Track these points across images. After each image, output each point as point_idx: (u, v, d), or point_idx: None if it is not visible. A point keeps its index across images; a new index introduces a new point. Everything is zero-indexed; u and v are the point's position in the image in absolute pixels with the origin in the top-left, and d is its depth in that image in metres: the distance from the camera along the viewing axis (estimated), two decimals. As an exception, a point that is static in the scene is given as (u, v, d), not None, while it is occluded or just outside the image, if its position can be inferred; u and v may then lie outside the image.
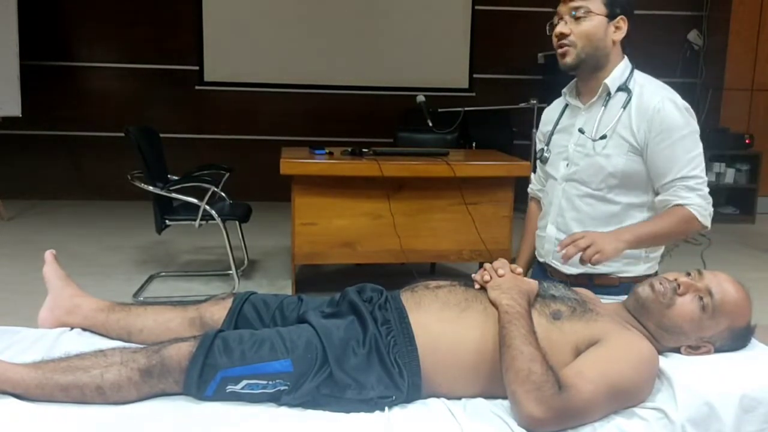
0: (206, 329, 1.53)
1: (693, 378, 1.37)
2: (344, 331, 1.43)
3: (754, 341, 1.53)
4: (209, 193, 3.88)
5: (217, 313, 1.62)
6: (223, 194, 4.19)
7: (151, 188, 3.76)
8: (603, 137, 1.85)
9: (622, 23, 1.85)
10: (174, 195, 3.83)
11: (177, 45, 6.25)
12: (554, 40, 1.88)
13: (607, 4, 1.82)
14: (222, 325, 1.58)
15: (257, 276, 4.25)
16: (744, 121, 6.13)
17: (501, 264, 1.56)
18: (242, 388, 1.35)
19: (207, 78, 6.33)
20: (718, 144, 5.85)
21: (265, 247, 4.77)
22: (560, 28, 1.84)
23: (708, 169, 6.58)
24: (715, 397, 1.33)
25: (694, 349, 1.50)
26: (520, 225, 4.20)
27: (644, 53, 1.95)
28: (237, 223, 4.18)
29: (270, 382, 1.36)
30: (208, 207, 3.79)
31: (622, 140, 1.84)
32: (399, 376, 1.38)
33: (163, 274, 4.18)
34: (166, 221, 3.85)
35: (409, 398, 1.39)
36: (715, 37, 6.42)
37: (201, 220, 3.80)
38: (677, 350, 1.51)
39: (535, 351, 1.32)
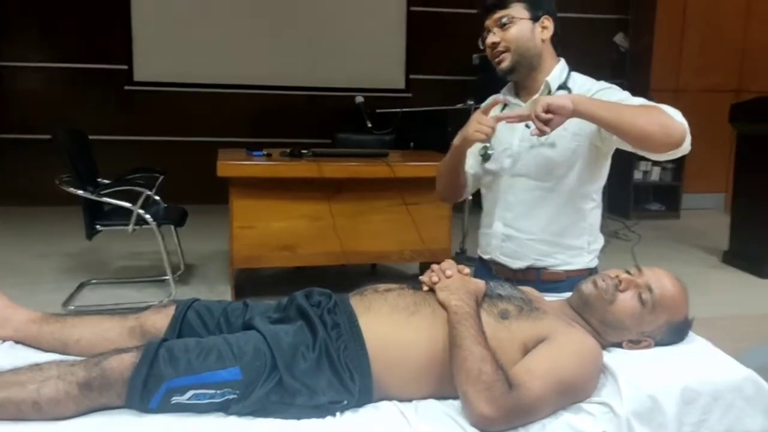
0: (147, 339, 1.47)
1: (636, 372, 1.41)
2: (293, 337, 1.41)
3: (691, 334, 1.59)
4: (143, 197, 3.75)
5: (159, 321, 1.57)
6: (157, 198, 4.07)
7: (80, 193, 3.62)
8: (544, 139, 1.87)
9: (548, 22, 1.93)
10: (105, 199, 3.69)
11: (105, 44, 6.05)
12: (488, 51, 1.95)
13: (529, 9, 1.90)
14: (165, 334, 1.52)
15: (194, 281, 4.15)
16: (669, 121, 6.38)
17: (448, 265, 1.56)
18: (188, 399, 1.31)
19: (137, 77, 6.15)
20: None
21: (201, 252, 4.66)
22: (491, 39, 1.92)
23: (635, 167, 6.82)
24: (658, 390, 1.37)
25: (635, 344, 1.54)
26: (459, 224, 4.29)
27: (574, 56, 2.01)
28: (172, 227, 4.08)
29: (218, 392, 1.32)
30: (141, 211, 3.68)
31: (565, 131, 1.87)
32: (350, 381, 1.37)
33: (94, 281, 4.03)
34: (97, 227, 3.72)
35: (360, 402, 1.38)
36: (640, 40, 6.67)
37: (134, 224, 3.68)
38: (619, 345, 1.55)
39: (485, 351, 1.33)
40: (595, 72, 2.01)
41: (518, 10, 1.89)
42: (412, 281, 1.59)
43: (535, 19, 1.91)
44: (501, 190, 2.00)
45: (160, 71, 6.16)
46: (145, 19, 6.08)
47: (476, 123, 1.80)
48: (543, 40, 1.93)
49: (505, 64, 1.92)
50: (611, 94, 1.85)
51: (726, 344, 1.61)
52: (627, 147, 1.78)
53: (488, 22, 1.93)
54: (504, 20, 1.89)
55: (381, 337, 1.43)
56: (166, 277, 3.84)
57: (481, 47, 1.98)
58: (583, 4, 6.41)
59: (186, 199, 4.71)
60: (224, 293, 3.80)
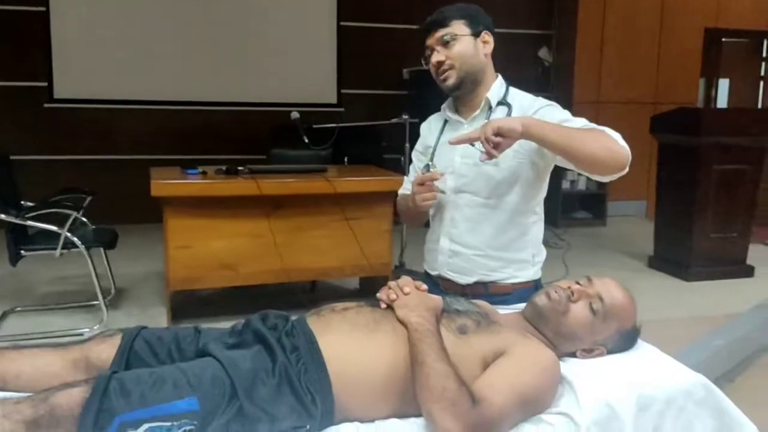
0: (93, 371, 1.40)
1: (593, 381, 1.44)
2: (252, 362, 1.37)
3: (640, 341, 1.64)
4: (70, 219, 3.61)
5: (105, 351, 1.49)
6: (85, 219, 3.93)
7: (2, 216, 3.44)
8: (492, 162, 1.89)
9: (488, 37, 1.96)
10: (30, 223, 3.53)
11: (23, 60, 5.79)
12: (432, 70, 1.97)
13: (469, 25, 1.93)
14: (112, 365, 1.45)
15: (127, 305, 4.01)
16: (592, 132, 6.61)
17: (406, 282, 1.56)
18: (143, 433, 1.25)
19: (57, 95, 5.91)
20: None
21: (133, 274, 4.50)
22: (435, 57, 1.93)
23: (562, 177, 7.04)
24: (615, 397, 1.40)
25: (588, 353, 1.57)
26: (398, 237, 4.31)
27: (500, 70, 2.05)
28: (102, 249, 3.93)
29: (175, 423, 1.26)
30: (69, 234, 3.53)
31: (507, 149, 1.90)
32: (312, 404, 1.34)
33: (20, 309, 3.84)
34: (22, 251, 3.54)
35: (322, 426, 1.35)
36: (563, 55, 6.91)
37: (62, 248, 3.53)
38: (573, 355, 1.58)
39: (448, 367, 1.33)
40: (521, 85, 2.06)
41: (459, 27, 1.92)
42: (369, 299, 1.57)
43: (476, 35, 1.94)
44: (446, 207, 2.02)
45: (82, 88, 5.94)
46: (66, 35, 5.86)
47: (419, 196, 1.90)
48: (485, 55, 1.97)
49: (451, 81, 1.93)
50: (553, 112, 1.88)
51: (657, 348, 1.66)
52: (569, 166, 1.81)
53: (430, 41, 1.94)
54: (446, 38, 1.91)
55: (342, 357, 1.40)
56: (97, 302, 3.70)
57: (425, 66, 1.99)
58: (508, 19, 6.58)
59: (115, 219, 4.56)
60: (159, 316, 3.68)
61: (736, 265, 4.81)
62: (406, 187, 2.15)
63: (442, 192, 1.95)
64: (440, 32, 1.91)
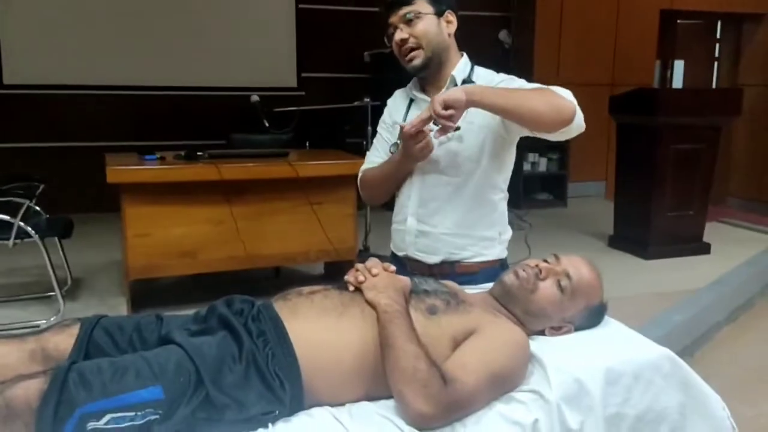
0: (51, 362, 1.35)
1: (561, 358, 1.44)
2: (217, 348, 1.33)
3: (606, 318, 1.65)
4: (23, 208, 3.49)
5: (63, 342, 1.43)
6: (38, 208, 3.80)
7: (-50, 206, 3.31)
8: (458, 128, 1.88)
9: (451, 17, 1.95)
10: (-20, 212, 3.40)
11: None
12: (396, 49, 1.94)
13: (433, 3, 1.90)
14: (70, 355, 1.39)
15: (84, 295, 3.91)
16: (552, 114, 6.67)
17: (374, 263, 1.53)
18: (106, 424, 1.20)
19: (6, 80, 5.71)
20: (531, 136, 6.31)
21: (90, 264, 4.39)
22: (399, 35, 1.90)
23: (523, 159, 7.10)
24: (583, 373, 1.40)
25: (557, 330, 1.58)
26: (363, 222, 4.28)
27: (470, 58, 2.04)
28: (57, 239, 3.81)
29: (138, 413, 1.22)
30: (22, 223, 3.41)
31: (471, 124, 1.89)
32: (280, 389, 1.31)
33: (-28, 302, 3.71)
34: (-28, 243, 3.41)
35: (292, 410, 1.33)
36: (522, 37, 6.93)
37: (15, 238, 3.41)
38: (542, 333, 1.58)
39: (418, 348, 1.31)
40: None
41: (423, 5, 1.89)
42: (336, 282, 1.55)
43: (439, 14, 1.92)
44: (413, 186, 2.00)
45: (32, 74, 5.74)
46: (14, 19, 5.64)
47: (419, 146, 1.81)
48: (449, 35, 1.95)
49: (417, 61, 1.91)
50: (510, 82, 1.90)
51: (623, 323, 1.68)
52: (526, 132, 1.83)
53: (393, 19, 1.91)
54: (409, 16, 1.88)
55: (310, 341, 1.38)
56: (53, 293, 3.59)
57: (387, 44, 1.96)
58: (468, 1, 6.55)
59: (70, 208, 4.43)
60: (118, 306, 3.60)
61: (693, 242, 4.91)
62: (372, 161, 2.11)
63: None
64: (403, 10, 1.89)
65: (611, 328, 1.62)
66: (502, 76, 1.96)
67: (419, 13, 1.88)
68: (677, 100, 4.94)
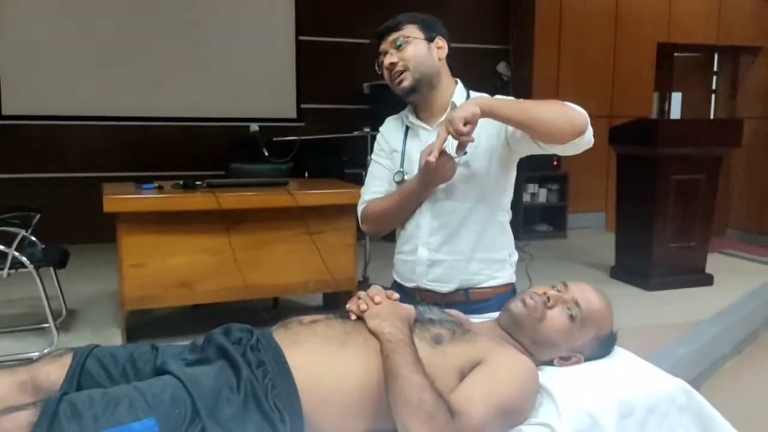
0: (41, 394, 1.30)
1: (572, 390, 1.39)
2: (214, 379, 1.28)
3: (617, 347, 1.60)
4: (18, 238, 3.44)
5: (54, 373, 1.38)
6: (33, 238, 3.75)
7: (-56, 236, 3.26)
8: (465, 153, 1.85)
9: (441, 42, 1.96)
10: (-25, 242, 3.35)
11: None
12: (386, 74, 1.95)
13: (422, 29, 1.93)
14: (62, 387, 1.34)
15: (78, 327, 3.84)
16: (550, 145, 6.68)
17: (376, 291, 1.49)
18: (98, 458, 1.15)
19: (5, 112, 5.70)
20: (530, 166, 6.31)
21: (85, 295, 4.33)
22: (388, 59, 1.92)
23: (523, 189, 7.06)
24: (596, 406, 1.35)
25: (566, 360, 1.53)
26: (363, 252, 4.23)
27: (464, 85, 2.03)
28: (52, 269, 3.76)
29: (131, 447, 1.17)
30: (17, 253, 3.36)
31: (477, 148, 1.87)
32: (280, 422, 1.26)
33: (-36, 333, 3.64)
34: (-34, 272, 3.35)
35: (292, 444, 1.27)
36: (521, 69, 6.98)
37: (9, 268, 3.36)
38: (550, 363, 1.53)
39: (424, 379, 1.26)
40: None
41: (412, 30, 1.92)
42: (338, 310, 1.50)
43: (429, 39, 1.93)
44: (423, 215, 1.96)
45: (30, 105, 5.73)
46: (11, 51, 5.65)
47: (441, 168, 1.78)
48: (440, 59, 1.95)
49: (406, 83, 1.91)
50: (510, 99, 1.89)
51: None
52: (533, 148, 1.81)
53: (383, 46, 1.94)
54: (399, 42, 1.90)
55: (311, 371, 1.33)
56: (47, 325, 3.52)
57: (378, 71, 1.98)
58: (466, 34, 6.62)
59: (66, 239, 4.37)
60: (113, 337, 3.53)
61: (695, 273, 4.86)
62: (375, 191, 2.08)
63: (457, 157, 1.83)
64: (393, 35, 1.92)
65: (622, 358, 1.57)
66: (499, 97, 1.94)
67: (408, 37, 1.90)
68: (678, 130, 4.93)
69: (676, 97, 7.66)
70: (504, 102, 1.73)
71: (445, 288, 1.93)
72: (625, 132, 4.86)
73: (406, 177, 1.97)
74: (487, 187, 1.91)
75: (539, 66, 6.84)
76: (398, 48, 1.90)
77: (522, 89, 6.88)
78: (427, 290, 1.95)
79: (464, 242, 1.92)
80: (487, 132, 1.86)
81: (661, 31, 7.12)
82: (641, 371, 1.51)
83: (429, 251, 1.95)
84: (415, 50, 1.90)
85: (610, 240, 5.26)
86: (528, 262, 5.59)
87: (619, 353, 1.59)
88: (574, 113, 1.71)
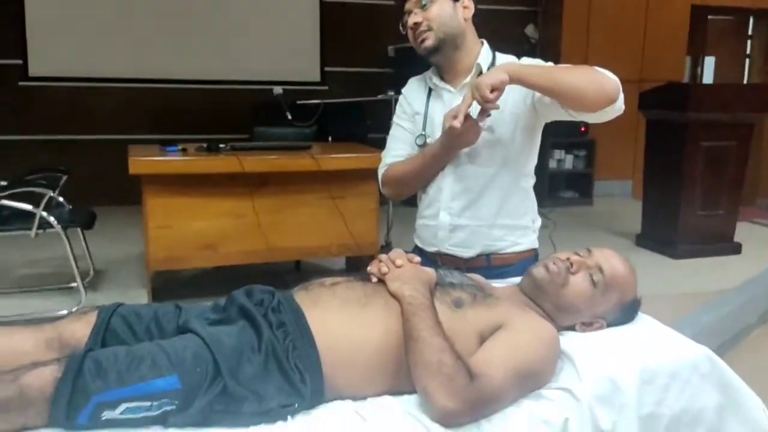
0: (67, 350, 1.32)
1: (594, 355, 1.39)
2: (236, 339, 1.29)
3: (640, 314, 1.58)
4: (45, 198, 3.49)
5: (80, 330, 1.40)
6: (61, 199, 3.80)
7: (-26, 196, 3.32)
8: (489, 115, 1.83)
9: (468, 2, 1.91)
10: (4, 202, 3.40)
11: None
12: (410, 33, 1.91)
13: None
14: (87, 343, 1.36)
15: (105, 287, 3.91)
16: (578, 111, 6.56)
17: (398, 254, 1.48)
18: (121, 414, 1.17)
19: (32, 73, 5.74)
20: (557, 132, 6.20)
21: (112, 256, 4.39)
22: (412, 19, 1.88)
23: (549, 156, 6.99)
24: (617, 371, 1.34)
25: (588, 326, 1.52)
26: (386, 217, 4.23)
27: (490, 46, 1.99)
28: (79, 230, 3.81)
29: (154, 403, 1.18)
30: (45, 213, 3.41)
31: (502, 113, 1.84)
32: (300, 382, 1.27)
33: (-6, 291, 3.72)
34: (-6, 232, 3.42)
35: (312, 404, 1.28)
36: (549, 31, 6.84)
37: (37, 228, 3.41)
38: (572, 328, 1.52)
39: (443, 341, 1.26)
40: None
41: None
42: (359, 273, 1.50)
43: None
44: (445, 179, 1.94)
45: (58, 66, 5.77)
46: (41, 10, 5.67)
47: (465, 132, 1.75)
48: (465, 20, 1.91)
49: (428, 43, 1.87)
50: (538, 63, 1.86)
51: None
52: (561, 115, 1.78)
53: (408, 5, 1.89)
54: (424, 1, 1.86)
55: (331, 333, 1.33)
56: (75, 284, 3.59)
57: (402, 31, 1.94)
58: (495, -4, 6.52)
59: (92, 200, 4.43)
60: (139, 298, 3.59)
61: (723, 242, 4.79)
62: (396, 155, 2.05)
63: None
64: None
65: (645, 324, 1.55)
66: (526, 59, 1.92)
67: None
68: (709, 95, 4.80)
69: (709, 62, 7.46)
70: (533, 68, 1.70)
71: (467, 253, 1.92)
72: (655, 97, 4.76)
73: (428, 140, 1.95)
74: (512, 152, 1.89)
75: (568, 29, 6.69)
76: (423, 7, 1.86)
77: (550, 52, 6.74)
78: (449, 255, 1.94)
79: (487, 208, 1.90)
80: (513, 97, 1.83)
81: (696, -8, 6.91)
82: (664, 338, 1.50)
83: (451, 216, 1.93)
84: (440, 9, 1.86)
85: (636, 208, 5.19)
86: (552, 229, 5.55)
87: (643, 320, 1.58)
88: (606, 80, 1.66)
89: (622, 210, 6.24)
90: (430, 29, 1.86)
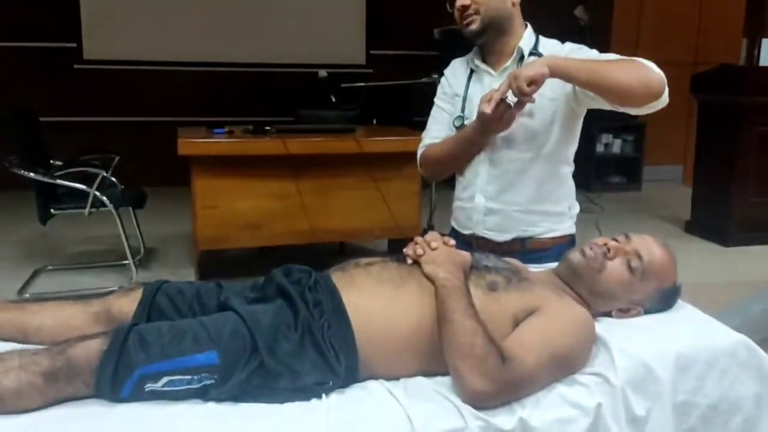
0: (114, 324, 1.37)
1: (628, 341, 1.37)
2: (273, 317, 1.33)
3: (679, 301, 1.56)
4: (99, 178, 3.61)
5: (126, 305, 1.46)
6: (113, 179, 3.92)
7: (31, 175, 3.45)
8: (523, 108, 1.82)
9: None
10: (59, 181, 3.53)
11: (53, 21, 5.78)
12: (457, 15, 1.90)
13: None
14: (133, 318, 1.42)
15: (155, 265, 4.03)
16: (628, 94, 6.40)
17: (433, 237, 1.50)
18: (163, 386, 1.22)
19: (87, 56, 5.91)
20: (605, 116, 6.03)
21: (162, 235, 4.52)
22: (460, 1, 1.86)
23: (596, 140, 6.85)
24: (652, 358, 1.33)
25: (625, 312, 1.50)
26: (428, 200, 4.24)
27: (535, 28, 1.98)
28: (131, 209, 3.93)
29: (195, 377, 1.23)
30: (98, 193, 3.52)
31: (541, 97, 1.83)
32: (335, 360, 1.30)
33: (50, 267, 3.87)
34: (51, 210, 3.55)
35: (347, 382, 1.31)
36: (599, 13, 6.67)
37: (91, 207, 3.53)
38: (609, 314, 1.51)
39: (476, 324, 1.27)
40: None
41: None
42: (395, 254, 1.52)
43: None
44: (481, 163, 1.94)
45: (111, 49, 5.92)
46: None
47: (498, 119, 1.73)
48: (513, 4, 1.89)
49: (474, 26, 1.86)
50: (582, 53, 1.83)
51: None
52: (603, 105, 1.75)
53: None
54: None
55: (366, 312, 1.36)
56: (126, 262, 3.71)
57: (449, 9, 1.92)
58: (543, -23, 6.38)
59: (143, 181, 4.54)
60: (187, 276, 3.69)
61: (776, 230, 4.65)
62: (434, 136, 2.06)
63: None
64: None
65: (684, 312, 1.53)
66: (569, 45, 1.89)
67: None
68: (765, 78, 4.65)
69: (767, 44, 7.18)
70: (576, 63, 1.67)
71: (501, 237, 1.92)
72: (708, 79, 4.63)
73: (466, 122, 1.95)
74: (550, 139, 1.87)
75: (620, 9, 6.53)
76: None
77: (600, 35, 6.59)
78: (483, 238, 1.94)
79: (522, 193, 1.89)
80: (553, 82, 1.81)
81: (754, -28, 6.64)
82: (702, 325, 1.48)
83: (486, 199, 1.93)
84: None
85: (686, 194, 5.07)
86: (599, 214, 5.50)
87: (682, 307, 1.55)
88: (651, 75, 1.64)
89: (672, 196, 6.11)
90: (477, 13, 1.85)
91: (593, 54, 1.82)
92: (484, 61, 1.97)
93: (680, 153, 6.68)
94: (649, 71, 1.65)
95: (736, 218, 4.54)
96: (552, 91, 1.81)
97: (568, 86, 1.80)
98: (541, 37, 1.94)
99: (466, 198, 2.00)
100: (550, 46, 1.92)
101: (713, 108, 4.62)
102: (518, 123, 1.84)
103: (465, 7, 1.85)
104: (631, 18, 6.54)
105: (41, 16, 5.75)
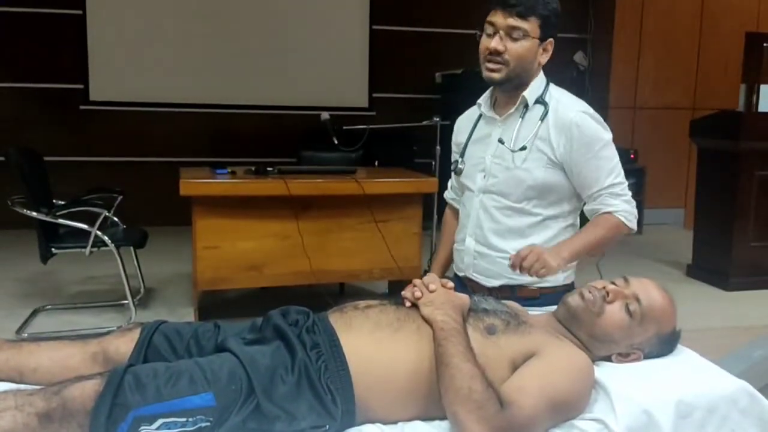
0: (111, 365, 1.37)
1: (629, 386, 1.36)
2: (270, 358, 1.32)
3: (679, 346, 1.55)
4: (101, 218, 3.62)
5: (123, 346, 1.46)
6: (115, 219, 3.94)
7: (34, 214, 3.46)
8: (523, 148, 1.85)
9: (549, 47, 1.87)
10: (61, 221, 3.54)
11: (60, 63, 5.87)
12: (483, 54, 1.84)
13: (542, 27, 1.80)
14: (129, 359, 1.42)
15: (155, 305, 4.01)
16: (628, 138, 6.46)
17: (431, 279, 1.50)
18: (158, 428, 1.21)
19: (93, 97, 5.98)
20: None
21: (162, 275, 4.51)
22: (495, 44, 1.79)
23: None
24: (652, 404, 1.32)
25: (624, 357, 1.49)
26: (429, 241, 4.24)
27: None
28: (132, 249, 3.93)
29: (190, 419, 1.22)
30: (99, 233, 3.53)
31: (540, 153, 1.85)
32: (332, 404, 1.29)
33: (49, 307, 3.86)
34: (53, 249, 3.56)
35: (343, 426, 1.30)
36: (599, 59, 6.77)
37: (92, 246, 3.53)
38: (608, 359, 1.50)
39: (474, 368, 1.26)
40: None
41: (534, 27, 1.79)
42: (393, 297, 1.51)
43: (542, 39, 1.83)
44: (473, 205, 1.96)
45: (117, 91, 5.99)
46: (102, 38, 5.92)
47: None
48: (539, 63, 1.87)
49: (497, 76, 1.83)
50: (588, 162, 1.84)
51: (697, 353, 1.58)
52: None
53: (499, 21, 1.78)
54: (516, 34, 1.78)
55: (364, 356, 1.35)
56: (126, 301, 3.70)
57: (477, 38, 1.86)
58: (543, 23, 6.49)
59: (144, 221, 4.56)
60: (187, 316, 3.67)
61: (777, 275, 4.63)
62: (450, 184, 2.18)
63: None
64: (515, 21, 1.77)
65: (684, 357, 1.52)
66: (582, 128, 1.83)
67: (527, 34, 1.78)
68: (763, 123, 4.69)
69: (765, 90, 7.24)
70: (574, 248, 1.81)
71: (490, 283, 1.92)
72: (707, 125, 4.67)
73: (461, 166, 1.99)
74: (543, 195, 1.89)
75: (618, 55, 6.61)
76: (512, 38, 1.79)
77: (600, 80, 6.68)
78: (475, 282, 1.95)
79: (508, 240, 1.89)
80: (541, 138, 1.84)
81: (750, 20, 6.74)
82: (702, 371, 1.46)
83: (475, 242, 1.94)
84: (525, 51, 1.80)
85: (687, 238, 5.06)
86: (600, 257, 5.45)
87: (682, 352, 1.54)
88: (622, 230, 1.88)
89: (674, 240, 6.10)
90: (505, 64, 1.80)
91: (603, 162, 1.86)
92: (493, 105, 1.98)
93: (681, 196, 6.71)
94: (623, 229, 1.88)
95: (737, 262, 4.53)
96: (553, 156, 1.85)
97: (556, 155, 1.85)
98: (551, 86, 1.92)
99: (459, 240, 2.02)
100: (558, 95, 1.90)
101: (713, 153, 4.65)
102: (515, 175, 1.87)
103: (496, 52, 1.80)
104: (630, 64, 6.63)
105: (49, 58, 5.84)
